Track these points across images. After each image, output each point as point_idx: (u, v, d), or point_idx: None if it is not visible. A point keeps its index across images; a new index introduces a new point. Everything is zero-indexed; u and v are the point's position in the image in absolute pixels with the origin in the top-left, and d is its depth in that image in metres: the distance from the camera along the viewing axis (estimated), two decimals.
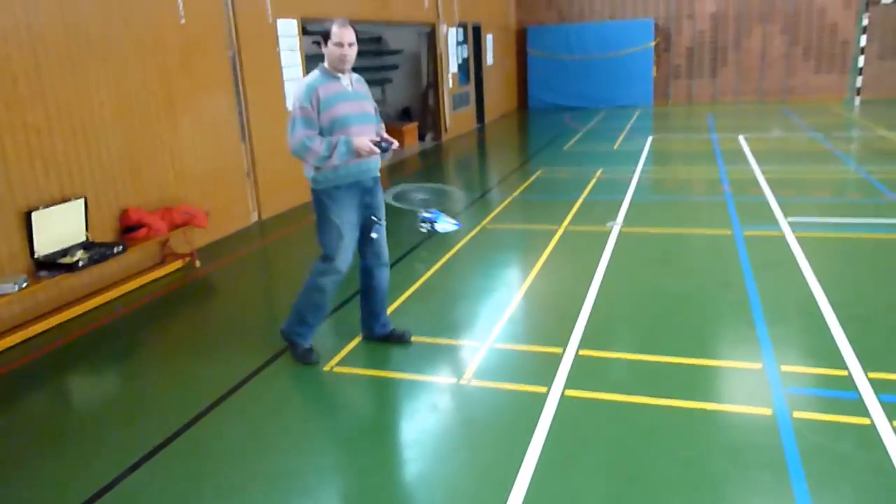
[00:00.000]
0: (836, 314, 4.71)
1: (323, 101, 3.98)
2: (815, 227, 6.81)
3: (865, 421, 3.44)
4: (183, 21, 7.07)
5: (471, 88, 16.59)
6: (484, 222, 7.62)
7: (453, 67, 15.16)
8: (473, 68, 16.56)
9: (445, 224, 6.37)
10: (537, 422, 3.57)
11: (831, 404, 3.66)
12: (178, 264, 6.66)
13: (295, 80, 8.83)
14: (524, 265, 6.30)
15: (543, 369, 4.17)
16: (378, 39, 15.27)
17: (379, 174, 4.36)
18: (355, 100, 4.12)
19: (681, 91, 19.49)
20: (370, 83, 4.80)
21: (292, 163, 4.68)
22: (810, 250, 6.08)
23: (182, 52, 7.08)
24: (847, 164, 9.98)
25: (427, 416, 3.77)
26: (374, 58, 14.89)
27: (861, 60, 17.28)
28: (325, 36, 4.01)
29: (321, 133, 4.01)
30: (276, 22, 8.62)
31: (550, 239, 6.89)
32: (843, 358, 4.11)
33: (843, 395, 3.72)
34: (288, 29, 8.87)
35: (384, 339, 4.64)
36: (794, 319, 4.75)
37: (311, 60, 8.68)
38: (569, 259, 6.36)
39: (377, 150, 4.05)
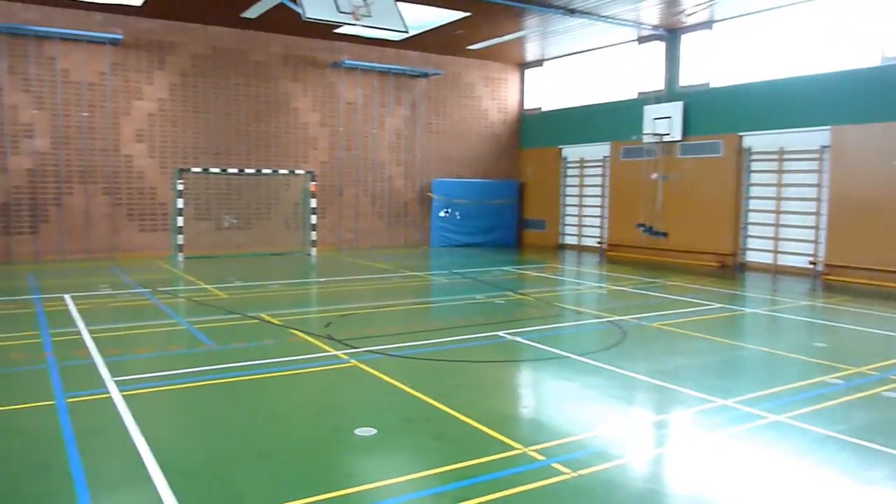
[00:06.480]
0: (165, 473, 4.66)
1: None
2: (145, 384, 6.79)
3: None
4: None
5: None
6: None
7: None
8: None
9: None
10: None
11: None
12: None
13: None
14: None
15: None
16: None
17: None
18: None
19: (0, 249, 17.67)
20: None
21: None
22: (139, 409, 5.98)
23: None
24: (173, 318, 10.49)
25: None
26: None
27: (180, 221, 18.91)
28: None
29: None
30: None
31: None
32: None
33: None
34: None
35: None
36: (122, 490, 4.49)
37: None
38: None
39: None
